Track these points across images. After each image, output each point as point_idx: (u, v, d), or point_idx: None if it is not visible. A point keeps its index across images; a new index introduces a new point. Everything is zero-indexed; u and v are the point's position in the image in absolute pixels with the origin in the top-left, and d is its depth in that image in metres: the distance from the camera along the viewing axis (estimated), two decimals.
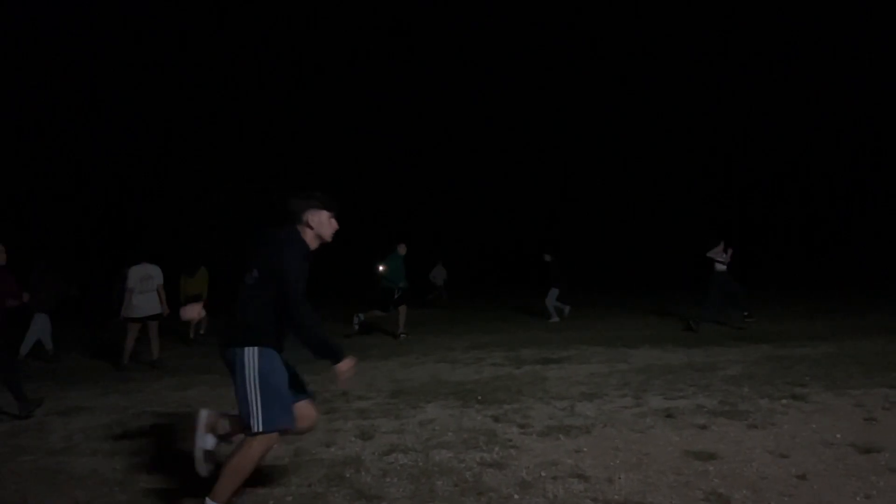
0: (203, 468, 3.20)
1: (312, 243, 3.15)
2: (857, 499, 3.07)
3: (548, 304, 12.68)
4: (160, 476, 3.72)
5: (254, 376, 2.91)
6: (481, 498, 3.25)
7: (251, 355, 2.93)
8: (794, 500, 3.08)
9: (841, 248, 30.15)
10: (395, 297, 10.72)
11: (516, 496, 3.25)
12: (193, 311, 3.25)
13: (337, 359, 2.98)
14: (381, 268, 11.03)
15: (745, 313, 10.24)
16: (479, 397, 5.56)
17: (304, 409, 3.17)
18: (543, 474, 3.54)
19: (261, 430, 2.88)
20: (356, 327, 10.90)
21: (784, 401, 5.01)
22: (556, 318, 12.47)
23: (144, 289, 8.21)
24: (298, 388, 3.18)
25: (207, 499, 2.91)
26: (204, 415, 3.26)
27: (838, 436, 4.04)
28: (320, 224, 3.13)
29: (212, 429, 3.24)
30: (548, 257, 12.77)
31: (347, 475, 3.62)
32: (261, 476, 3.44)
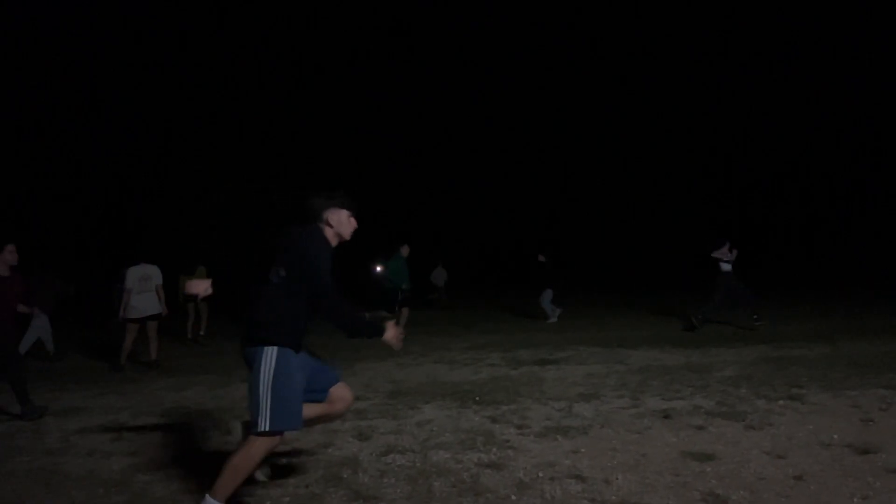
0: (258, 474, 3.28)
1: (332, 241, 3.24)
2: (854, 500, 3.07)
3: (543, 305, 12.68)
4: (158, 476, 3.72)
5: (268, 376, 2.95)
6: (479, 499, 3.25)
7: (269, 355, 2.98)
8: (791, 501, 3.08)
9: (840, 248, 30.16)
10: (399, 298, 10.73)
11: (514, 497, 3.25)
12: (201, 287, 3.25)
13: (380, 333, 3.16)
14: (378, 268, 11.04)
15: (755, 316, 10.14)
16: (477, 398, 5.56)
17: (339, 391, 3.30)
18: (541, 475, 3.54)
19: (266, 429, 2.91)
20: None
21: (781, 402, 5.01)
22: (553, 319, 12.47)
23: (143, 289, 8.20)
24: (326, 375, 3.28)
25: (207, 496, 2.93)
26: (239, 424, 3.27)
27: (835, 437, 4.04)
28: (340, 223, 3.23)
29: None
30: (542, 258, 12.76)
31: (345, 476, 3.61)
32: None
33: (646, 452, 3.87)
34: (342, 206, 3.24)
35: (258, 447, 2.93)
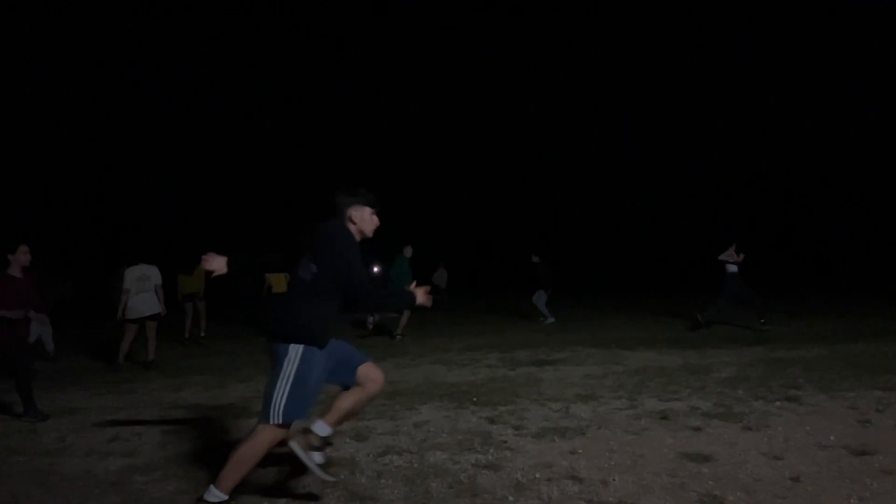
0: (324, 476, 3.32)
1: (356, 237, 3.27)
2: (851, 501, 3.08)
3: (538, 307, 12.64)
4: (155, 477, 3.71)
5: (291, 373, 3.00)
6: (476, 499, 3.25)
7: (294, 353, 3.02)
8: (788, 503, 3.08)
9: (838, 249, 30.21)
10: None
11: (511, 498, 3.25)
12: (221, 262, 3.24)
13: (413, 302, 3.30)
14: (375, 269, 11.04)
15: (762, 320, 10.09)
16: (474, 399, 5.56)
17: (368, 371, 3.33)
18: (538, 476, 3.54)
19: (278, 421, 2.96)
20: (370, 327, 10.90)
21: (778, 403, 5.02)
22: (551, 320, 12.45)
23: (141, 289, 8.17)
24: (353, 357, 3.33)
25: (212, 486, 2.97)
26: (294, 444, 3.21)
27: (832, 438, 4.04)
28: (363, 220, 3.29)
29: (309, 447, 3.23)
30: (535, 258, 12.74)
31: (342, 476, 3.61)
32: (256, 477, 3.44)
33: (643, 453, 3.87)
34: (366, 204, 3.29)
35: (264, 437, 2.98)
